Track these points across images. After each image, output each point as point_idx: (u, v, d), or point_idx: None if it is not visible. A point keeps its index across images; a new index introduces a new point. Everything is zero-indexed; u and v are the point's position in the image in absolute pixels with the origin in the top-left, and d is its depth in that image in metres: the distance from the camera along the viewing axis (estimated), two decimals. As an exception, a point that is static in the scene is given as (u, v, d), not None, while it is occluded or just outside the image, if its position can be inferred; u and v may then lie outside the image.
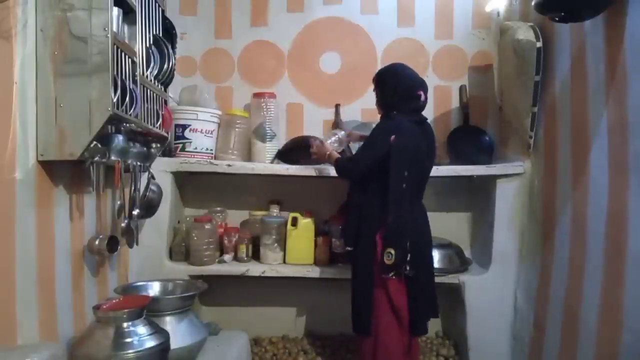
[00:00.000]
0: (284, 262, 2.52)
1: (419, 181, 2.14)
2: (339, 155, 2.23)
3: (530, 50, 2.07)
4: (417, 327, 2.05)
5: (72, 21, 1.49)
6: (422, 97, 2.10)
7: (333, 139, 2.38)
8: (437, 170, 2.44)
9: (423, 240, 2.12)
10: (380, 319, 2.00)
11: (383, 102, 2.17)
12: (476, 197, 2.69)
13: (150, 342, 1.47)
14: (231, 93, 2.82)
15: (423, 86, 2.11)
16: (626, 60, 1.54)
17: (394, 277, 1.96)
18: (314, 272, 2.45)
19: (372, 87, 2.80)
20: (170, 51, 2.04)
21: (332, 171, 2.37)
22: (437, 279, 2.40)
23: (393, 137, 1.98)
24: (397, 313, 1.99)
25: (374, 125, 2.65)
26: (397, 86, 2.09)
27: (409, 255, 1.96)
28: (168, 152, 2.50)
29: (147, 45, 1.89)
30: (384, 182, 1.98)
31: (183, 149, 2.53)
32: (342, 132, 2.44)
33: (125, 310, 1.48)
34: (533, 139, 2.25)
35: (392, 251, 1.94)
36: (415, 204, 2.12)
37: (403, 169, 1.99)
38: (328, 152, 2.24)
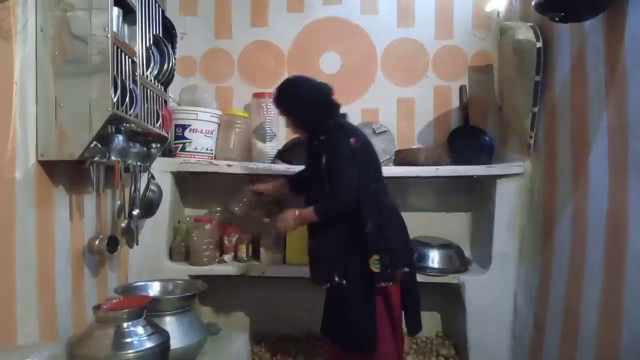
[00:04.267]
0: (284, 262, 2.52)
1: (383, 178, 2.03)
2: (308, 208, 1.94)
3: (530, 50, 2.07)
4: (415, 325, 2.02)
5: (72, 21, 1.49)
6: (334, 95, 1.99)
7: (238, 207, 2.26)
8: (437, 171, 2.44)
9: (407, 238, 2.06)
10: (380, 329, 1.91)
11: (305, 121, 2.01)
12: (476, 197, 2.69)
13: (150, 342, 1.47)
14: (231, 93, 2.82)
15: (330, 88, 2.01)
16: (626, 60, 1.54)
17: (390, 284, 1.88)
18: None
19: (372, 87, 2.80)
20: (170, 51, 2.04)
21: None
22: (437, 279, 2.41)
23: (352, 139, 1.88)
24: (393, 316, 1.94)
25: (374, 126, 2.67)
26: (308, 101, 1.95)
27: (397, 256, 1.88)
28: (168, 152, 2.50)
29: (147, 45, 1.89)
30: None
31: (183, 149, 2.53)
32: (247, 194, 2.28)
33: (125, 310, 1.48)
34: (533, 139, 2.25)
35: (377, 257, 1.84)
36: (390, 201, 2.02)
37: (368, 170, 1.91)
38: (294, 216, 1.97)
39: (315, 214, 1.91)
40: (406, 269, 1.91)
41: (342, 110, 2.04)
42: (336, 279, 1.90)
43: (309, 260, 2.08)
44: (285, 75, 2.79)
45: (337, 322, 1.98)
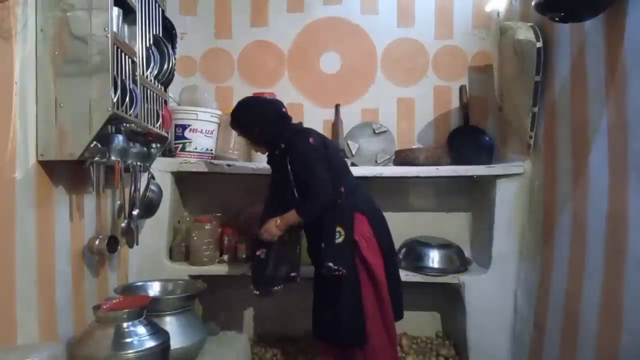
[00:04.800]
0: (284, 262, 2.52)
1: (345, 169, 2.14)
2: (290, 211, 2.01)
3: (530, 50, 2.07)
4: (399, 309, 2.06)
5: (72, 21, 1.49)
6: (284, 109, 2.10)
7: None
8: (437, 171, 2.44)
9: (380, 223, 2.09)
10: (370, 322, 1.95)
11: (265, 138, 2.09)
12: (476, 197, 2.69)
13: (150, 342, 1.47)
14: (231, 93, 2.82)
15: (280, 102, 2.16)
16: (626, 60, 1.54)
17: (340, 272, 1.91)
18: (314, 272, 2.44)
19: (372, 87, 2.80)
20: (170, 51, 2.04)
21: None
22: (437, 279, 2.41)
23: (311, 139, 1.99)
24: (383, 308, 1.96)
25: (374, 126, 2.68)
26: (264, 121, 2.05)
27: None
28: (168, 152, 2.50)
29: (147, 45, 1.89)
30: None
31: (183, 149, 2.53)
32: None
33: (125, 310, 1.48)
34: (533, 139, 2.25)
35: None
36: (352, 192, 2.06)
37: (331, 163, 2.00)
38: (276, 223, 2.03)
39: (299, 215, 1.99)
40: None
41: (293, 120, 2.14)
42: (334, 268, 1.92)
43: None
44: (286, 75, 2.81)
45: (326, 320, 2.02)
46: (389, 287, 1.99)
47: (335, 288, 1.96)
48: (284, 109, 2.10)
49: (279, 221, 2.03)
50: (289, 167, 2.00)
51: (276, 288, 2.14)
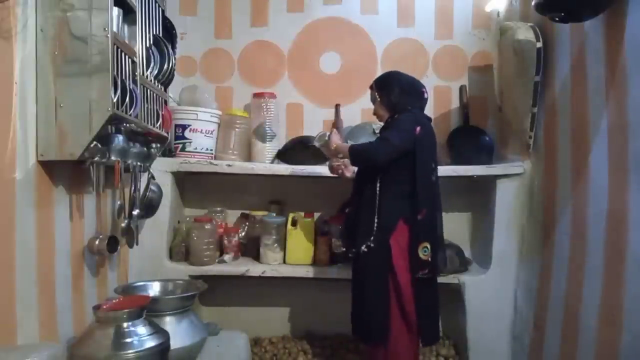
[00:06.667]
0: (284, 262, 2.52)
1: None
2: (347, 144, 2.12)
3: (530, 50, 2.07)
4: (429, 335, 2.01)
5: (72, 21, 1.49)
6: (426, 95, 2.11)
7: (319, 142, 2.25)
8: (436, 170, 2.44)
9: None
10: (392, 326, 1.94)
11: (390, 104, 2.08)
12: (476, 197, 2.69)
13: (150, 342, 1.47)
14: (231, 93, 2.82)
15: (423, 85, 2.14)
16: (626, 60, 1.54)
17: (427, 275, 1.93)
18: (314, 272, 2.45)
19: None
20: (170, 51, 2.04)
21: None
22: (437, 279, 2.41)
23: (418, 128, 1.96)
24: (408, 319, 1.94)
25: (374, 126, 2.67)
26: (403, 85, 2.07)
27: (445, 251, 1.96)
28: (168, 152, 2.50)
29: (147, 45, 1.89)
30: (402, 178, 1.95)
31: (183, 149, 2.53)
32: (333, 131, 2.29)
33: (125, 310, 1.47)
34: (533, 139, 2.25)
35: (428, 245, 1.92)
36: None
37: (430, 161, 2.00)
38: (334, 145, 2.12)
39: (348, 150, 2.02)
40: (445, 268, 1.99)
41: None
42: (363, 248, 1.96)
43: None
44: (286, 75, 2.81)
45: (359, 314, 2.04)
46: (420, 305, 1.95)
47: (365, 284, 2.00)
48: (424, 89, 2.10)
49: (337, 145, 2.10)
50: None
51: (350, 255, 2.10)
